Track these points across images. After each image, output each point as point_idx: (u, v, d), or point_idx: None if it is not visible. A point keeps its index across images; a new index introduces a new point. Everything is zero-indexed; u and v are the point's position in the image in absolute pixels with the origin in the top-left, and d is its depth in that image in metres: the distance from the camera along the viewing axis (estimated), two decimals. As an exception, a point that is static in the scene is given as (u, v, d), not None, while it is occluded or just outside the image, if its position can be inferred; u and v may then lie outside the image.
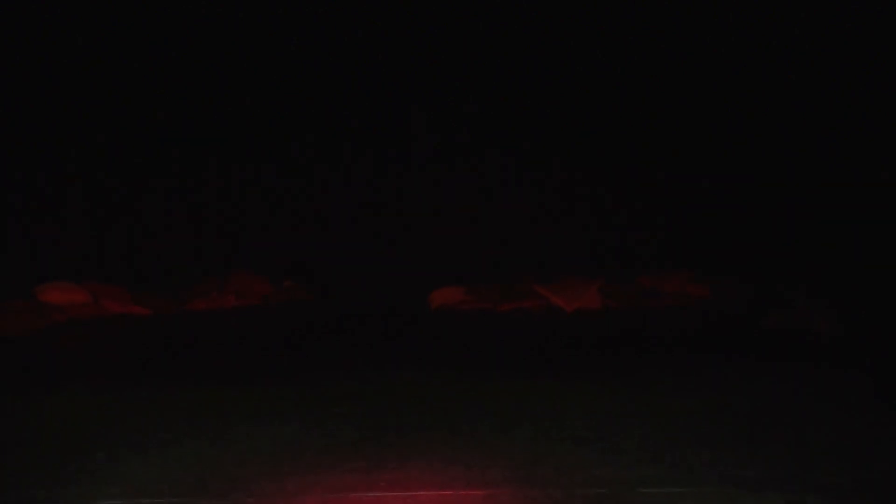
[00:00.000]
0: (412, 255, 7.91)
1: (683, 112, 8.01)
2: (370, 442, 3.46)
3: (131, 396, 4.31)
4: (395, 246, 8.02)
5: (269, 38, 7.86)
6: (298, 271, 8.10)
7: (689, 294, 7.78)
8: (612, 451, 3.30)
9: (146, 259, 7.70)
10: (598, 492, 2.86)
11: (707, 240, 8.01)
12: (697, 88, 8.00)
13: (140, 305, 7.34)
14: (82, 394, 4.38)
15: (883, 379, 4.45)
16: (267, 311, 7.63)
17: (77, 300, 7.09)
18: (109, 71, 7.60)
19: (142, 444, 3.47)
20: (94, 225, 7.62)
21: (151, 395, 4.33)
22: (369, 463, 3.20)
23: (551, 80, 8.02)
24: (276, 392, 4.36)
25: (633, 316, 7.23)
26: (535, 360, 5.28)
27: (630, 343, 6.13)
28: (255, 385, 4.54)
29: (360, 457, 3.27)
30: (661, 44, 7.88)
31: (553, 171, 8.16)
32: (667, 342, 6.14)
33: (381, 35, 7.78)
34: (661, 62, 7.96)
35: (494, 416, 3.84)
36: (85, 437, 3.58)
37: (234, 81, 7.93)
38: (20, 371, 5.18)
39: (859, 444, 3.40)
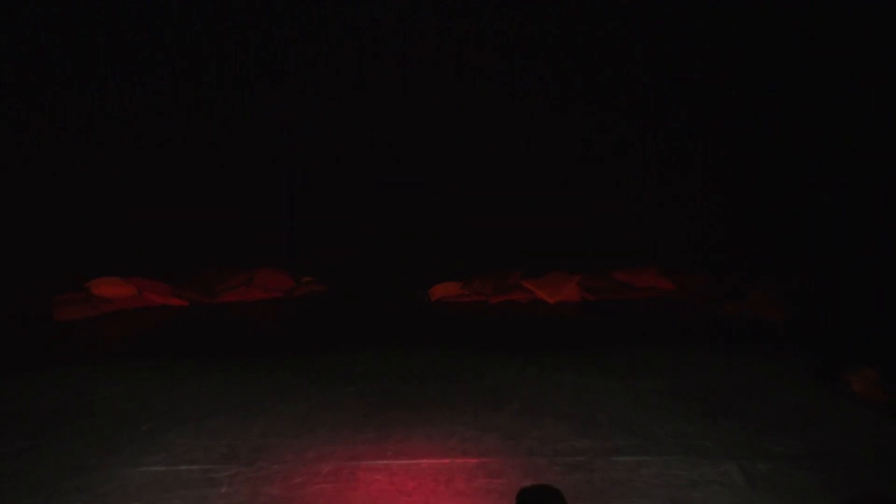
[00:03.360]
0: (416, 253, 7.89)
1: (662, 110, 7.79)
2: (378, 417, 3.47)
3: (171, 376, 4.32)
4: (399, 247, 7.98)
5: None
6: (317, 268, 8.08)
7: (658, 287, 7.78)
8: (589, 425, 3.31)
9: (183, 256, 7.65)
10: (576, 459, 2.88)
11: (675, 238, 7.97)
12: (677, 86, 7.74)
13: (178, 298, 7.34)
14: (128, 373, 4.38)
15: (824, 360, 4.46)
16: (288, 303, 7.63)
17: (124, 293, 7.09)
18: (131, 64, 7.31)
19: (180, 417, 3.48)
20: (139, 226, 7.56)
21: (188, 375, 4.34)
22: (378, 435, 3.21)
23: (548, 80, 7.76)
24: (295, 373, 4.37)
25: (608, 307, 7.23)
26: (522, 347, 5.29)
27: (605, 331, 6.14)
28: (277, 367, 4.55)
29: (370, 429, 3.28)
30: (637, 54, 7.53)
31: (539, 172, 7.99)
32: (638, 330, 6.15)
33: None
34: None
35: (487, 395, 3.85)
36: (131, 412, 3.60)
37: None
38: (76, 353, 5.18)
39: (804, 417, 3.41)
